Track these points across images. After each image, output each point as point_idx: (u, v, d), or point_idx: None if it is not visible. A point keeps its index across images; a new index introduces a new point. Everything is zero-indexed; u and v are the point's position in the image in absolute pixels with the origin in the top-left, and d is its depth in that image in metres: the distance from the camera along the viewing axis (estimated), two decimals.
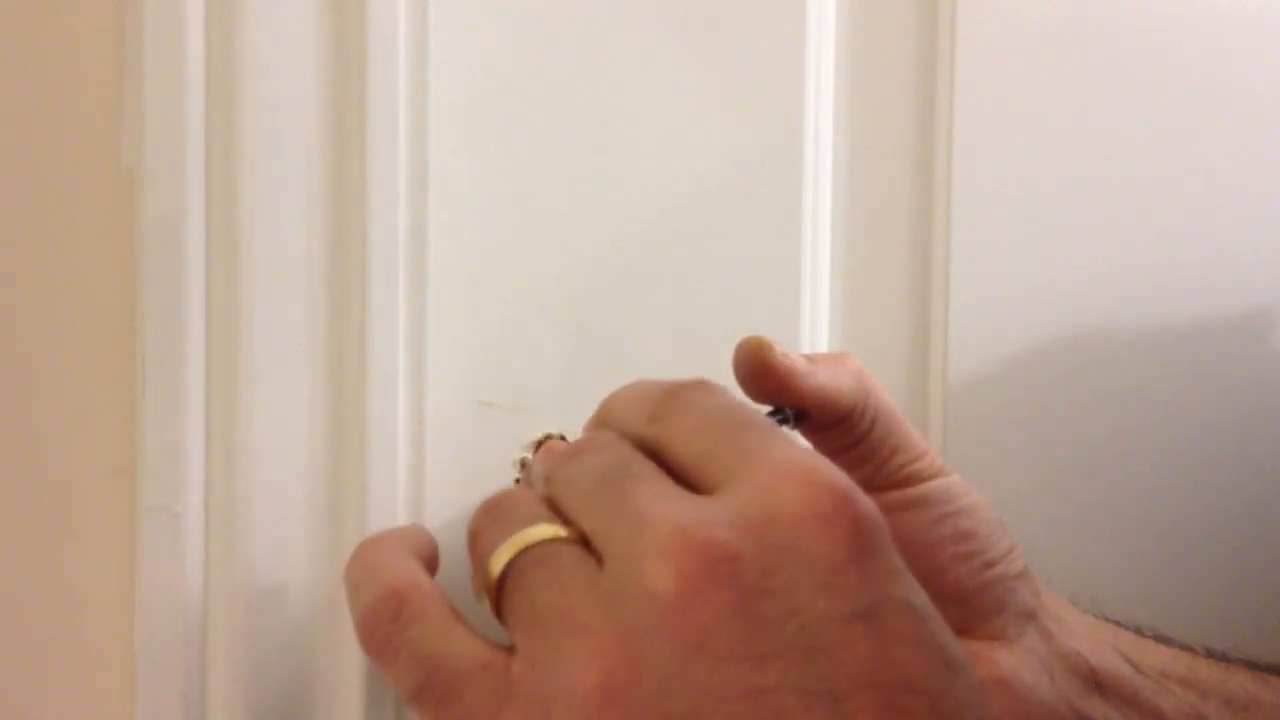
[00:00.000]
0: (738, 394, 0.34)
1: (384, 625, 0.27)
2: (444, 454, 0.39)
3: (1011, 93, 0.46)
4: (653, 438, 0.28)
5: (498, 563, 0.26)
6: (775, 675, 0.23)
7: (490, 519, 0.28)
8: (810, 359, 0.36)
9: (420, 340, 0.39)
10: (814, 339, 0.44)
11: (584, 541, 0.26)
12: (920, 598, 0.25)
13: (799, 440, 0.36)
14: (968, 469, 0.39)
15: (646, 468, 0.27)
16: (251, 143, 0.36)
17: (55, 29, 0.37)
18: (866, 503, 0.25)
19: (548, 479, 0.28)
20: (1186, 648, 0.39)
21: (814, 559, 0.24)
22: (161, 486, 0.36)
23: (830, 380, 0.35)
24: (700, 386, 0.29)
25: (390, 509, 0.38)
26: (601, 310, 0.41)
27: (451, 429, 0.39)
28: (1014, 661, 0.36)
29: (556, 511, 0.27)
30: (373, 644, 0.27)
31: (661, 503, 0.25)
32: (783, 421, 0.36)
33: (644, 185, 0.42)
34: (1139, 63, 0.47)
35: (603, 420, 0.31)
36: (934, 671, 0.23)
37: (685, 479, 0.27)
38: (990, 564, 0.36)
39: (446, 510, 0.39)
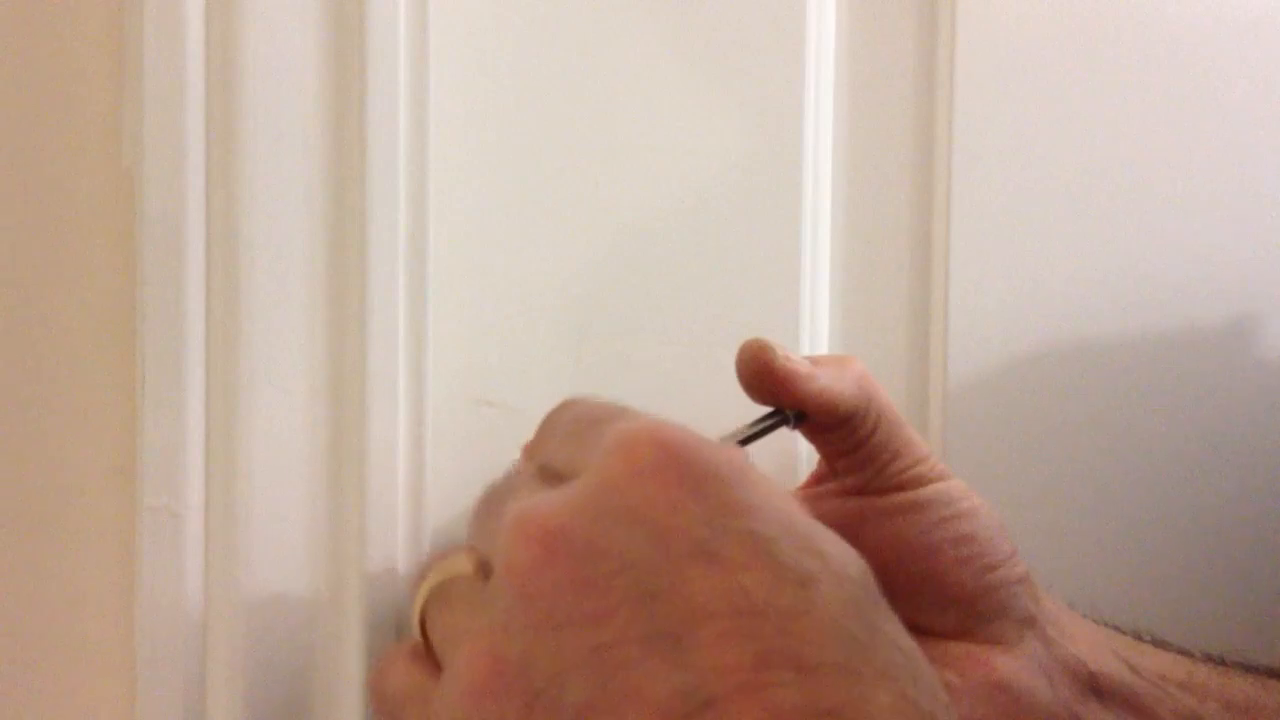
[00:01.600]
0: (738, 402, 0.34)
1: (374, 684, 0.29)
2: (444, 454, 0.39)
3: (1011, 93, 0.46)
4: (538, 468, 0.29)
5: (415, 610, 0.29)
6: (615, 630, 0.23)
7: (420, 574, 0.30)
8: (813, 361, 0.36)
9: (420, 340, 0.39)
10: (814, 339, 0.44)
11: (484, 568, 0.28)
12: (767, 524, 0.24)
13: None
14: (966, 469, 0.39)
15: (523, 482, 0.28)
16: (251, 143, 0.36)
17: (55, 29, 0.37)
18: (698, 448, 0.25)
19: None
20: (1185, 652, 0.39)
21: (642, 513, 0.24)
22: (161, 486, 0.36)
23: (832, 383, 0.35)
24: (561, 405, 0.30)
25: (390, 509, 0.38)
26: (601, 310, 0.41)
27: (451, 429, 0.39)
28: (1014, 666, 0.36)
29: (470, 550, 0.29)
30: (374, 708, 0.30)
31: (516, 505, 0.26)
32: (784, 423, 0.36)
33: (644, 185, 0.42)
34: (1137, 66, 0.47)
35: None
36: (781, 590, 0.23)
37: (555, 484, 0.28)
38: (991, 568, 0.36)
39: (446, 510, 0.39)
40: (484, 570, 0.27)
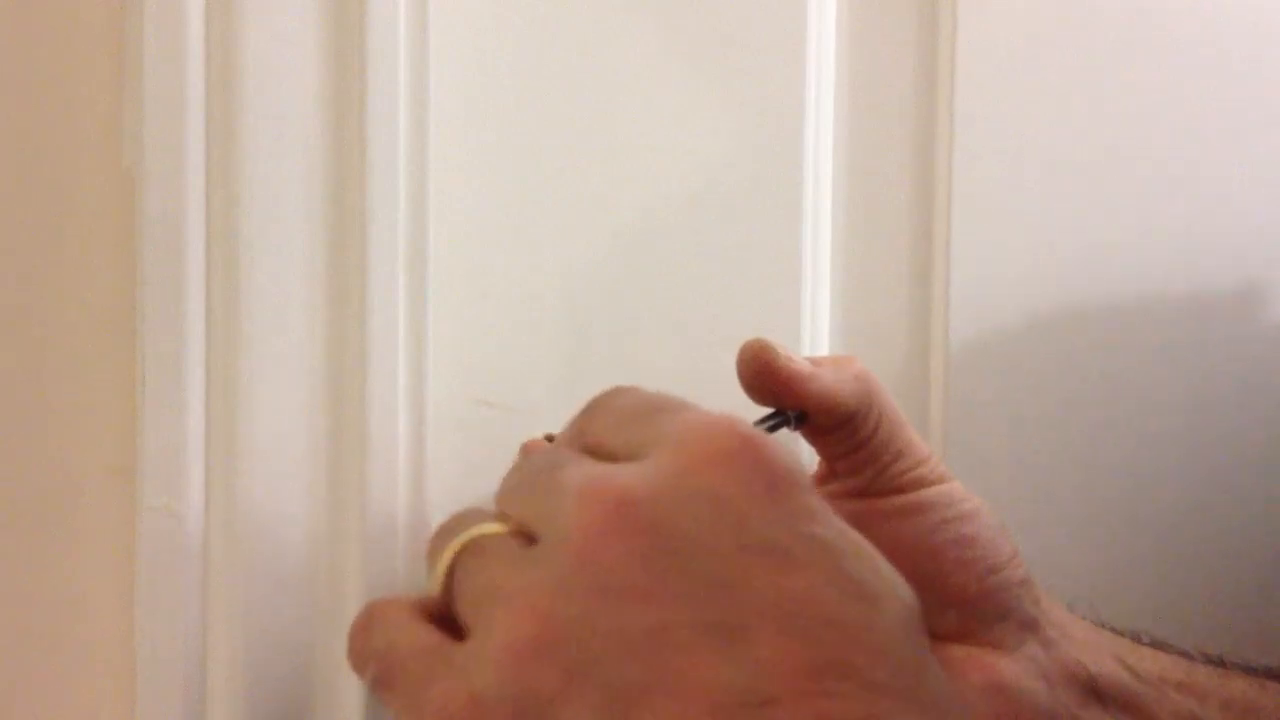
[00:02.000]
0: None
1: (358, 637, 0.28)
2: (444, 454, 0.39)
3: (1011, 93, 0.46)
4: (582, 447, 0.29)
5: (443, 563, 0.27)
6: (674, 611, 0.23)
7: (438, 535, 0.29)
8: (815, 362, 0.36)
9: (420, 340, 0.39)
10: (814, 339, 0.44)
11: (522, 534, 0.27)
12: (842, 537, 0.25)
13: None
14: (966, 470, 0.39)
15: (573, 455, 0.28)
16: (251, 143, 0.36)
17: (55, 29, 0.37)
18: (776, 447, 0.25)
19: (496, 494, 0.30)
20: (1184, 653, 0.39)
21: (719, 499, 0.24)
22: (161, 486, 0.36)
23: (833, 384, 0.35)
24: (611, 391, 0.30)
25: (390, 509, 0.38)
26: (601, 310, 0.41)
27: (451, 429, 0.39)
28: (1014, 669, 0.36)
29: (501, 516, 0.28)
30: (351, 658, 0.28)
31: (583, 469, 0.26)
32: (784, 423, 0.36)
33: (644, 185, 0.42)
34: (1135, 56, 0.47)
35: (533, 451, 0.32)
36: (847, 602, 0.24)
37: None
38: (992, 570, 0.36)
39: (446, 510, 0.39)
40: (522, 534, 0.27)
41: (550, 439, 0.40)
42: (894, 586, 0.25)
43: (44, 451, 0.37)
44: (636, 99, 0.41)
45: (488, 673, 0.24)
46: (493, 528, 0.27)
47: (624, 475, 0.25)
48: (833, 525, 0.25)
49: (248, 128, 0.36)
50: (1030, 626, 0.37)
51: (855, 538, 0.25)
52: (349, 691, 0.38)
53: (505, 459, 0.40)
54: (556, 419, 0.40)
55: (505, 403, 0.40)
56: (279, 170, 0.36)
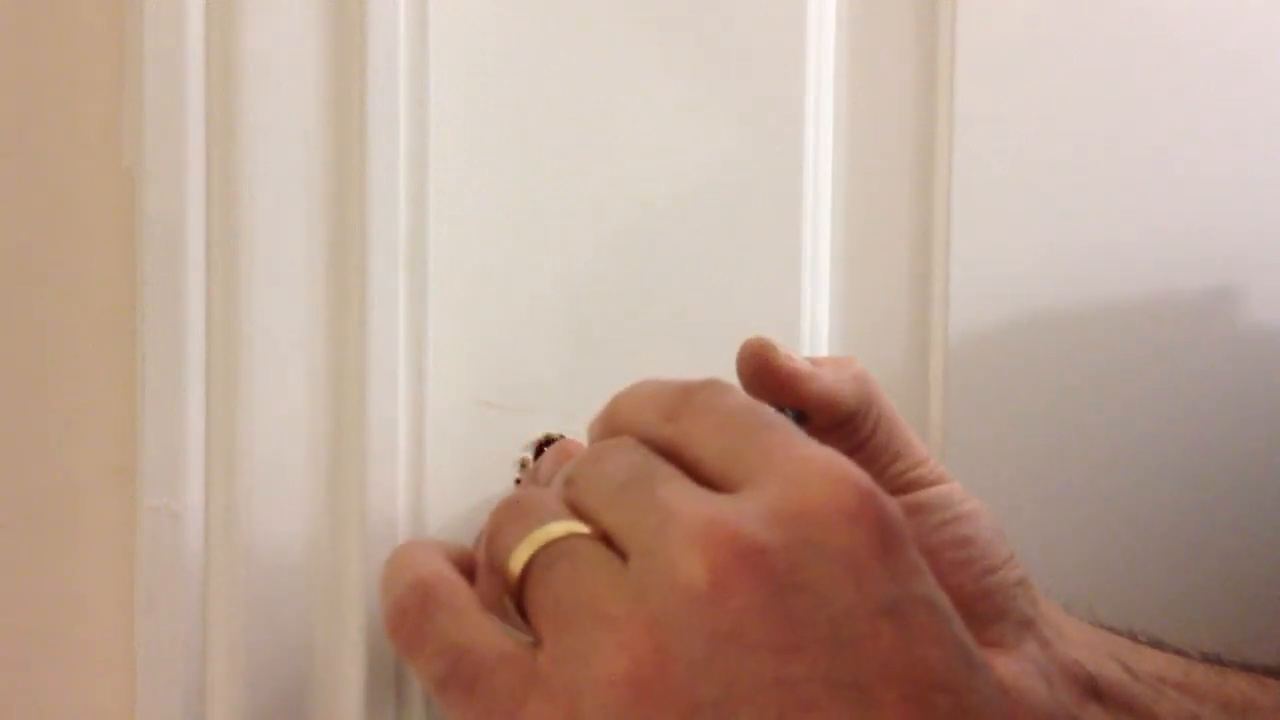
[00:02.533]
0: None
1: (412, 615, 0.27)
2: (444, 454, 0.39)
3: (1011, 93, 0.46)
4: (669, 438, 0.28)
5: (519, 559, 0.26)
6: (804, 666, 0.23)
7: (508, 517, 0.28)
8: (814, 362, 0.36)
9: (420, 340, 0.39)
10: (814, 339, 0.44)
11: (605, 540, 0.26)
12: (941, 597, 0.25)
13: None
14: (966, 470, 0.39)
15: (671, 470, 0.27)
16: (251, 143, 0.36)
17: (55, 29, 0.37)
18: (890, 501, 0.25)
19: (568, 481, 0.28)
20: (1182, 652, 0.39)
21: (842, 554, 0.24)
22: (161, 486, 0.36)
23: (833, 383, 0.35)
24: (714, 386, 0.29)
25: (390, 509, 0.38)
26: (601, 310, 0.41)
27: (451, 429, 0.39)
28: (1013, 669, 0.36)
29: (577, 512, 0.27)
30: (400, 634, 0.27)
31: (690, 499, 0.25)
32: None
33: (644, 185, 0.42)
34: (1133, 55, 0.47)
35: (611, 420, 0.30)
36: (957, 669, 0.23)
37: (706, 479, 0.26)
38: (990, 571, 0.36)
39: (446, 510, 0.39)
40: (606, 541, 0.26)
41: (549, 440, 0.40)
42: (977, 647, 0.25)
43: (44, 451, 0.37)
44: (636, 98, 0.41)
45: (602, 703, 0.23)
46: (574, 527, 0.26)
47: (743, 516, 0.24)
48: (932, 582, 0.25)
49: (248, 128, 0.36)
50: (1028, 626, 0.37)
51: (944, 594, 0.25)
52: (349, 692, 0.38)
53: (505, 459, 0.40)
54: (557, 419, 0.40)
55: (505, 403, 0.40)
56: (279, 170, 0.36)
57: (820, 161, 0.44)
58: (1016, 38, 0.46)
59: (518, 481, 0.40)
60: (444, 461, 0.39)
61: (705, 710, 0.22)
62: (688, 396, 0.28)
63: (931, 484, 0.37)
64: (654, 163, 0.42)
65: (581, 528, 0.26)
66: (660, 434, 0.28)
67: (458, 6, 0.39)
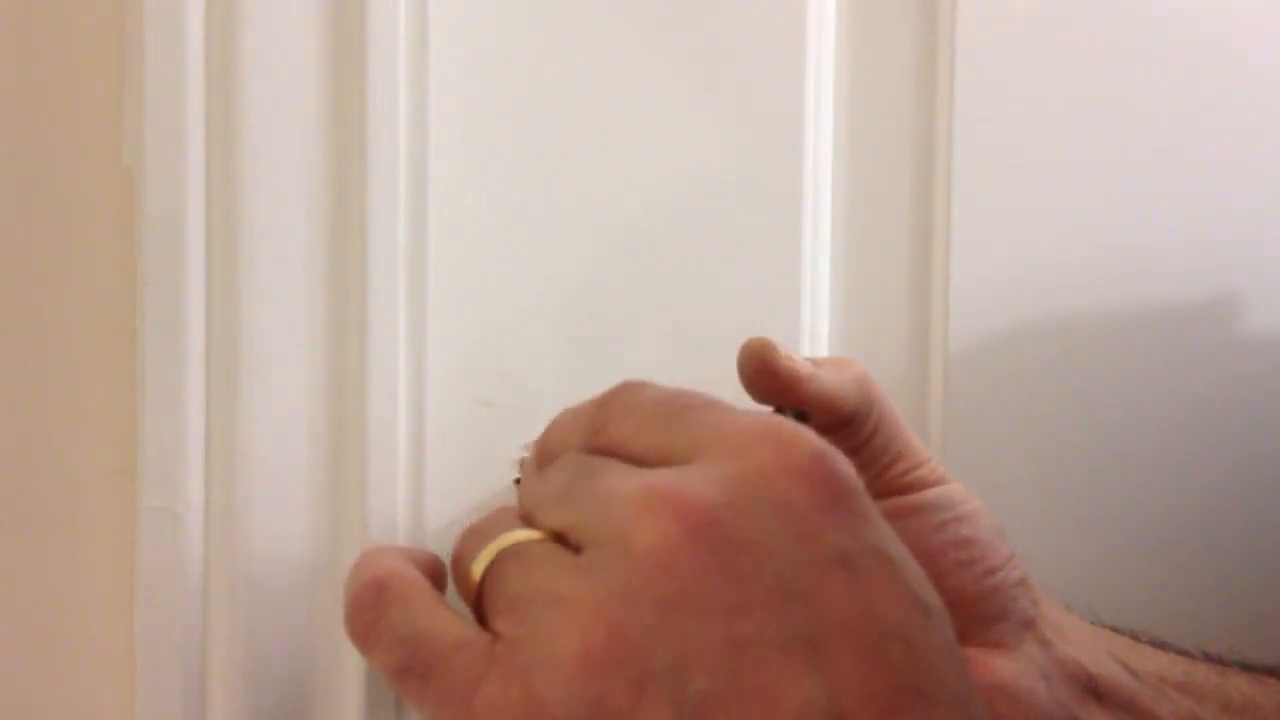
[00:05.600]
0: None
1: (366, 611, 0.27)
2: (444, 454, 0.39)
3: (1011, 93, 0.46)
4: (601, 447, 0.28)
5: (479, 567, 0.27)
6: (754, 625, 0.23)
7: (469, 538, 0.29)
8: (815, 362, 0.36)
9: (420, 340, 0.39)
10: (814, 339, 0.44)
11: (559, 540, 0.26)
12: (896, 547, 0.25)
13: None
14: (966, 470, 0.39)
15: (606, 461, 0.27)
16: (251, 143, 0.36)
17: (55, 29, 0.37)
18: (837, 454, 0.25)
19: (519, 501, 0.29)
20: (1183, 652, 0.39)
21: (790, 510, 0.24)
22: (161, 486, 0.36)
23: (833, 384, 0.35)
24: (626, 388, 0.29)
25: (390, 509, 0.38)
26: (601, 310, 0.41)
27: (451, 429, 0.39)
28: (1013, 669, 0.36)
29: (529, 523, 0.28)
30: (356, 629, 0.28)
31: (629, 476, 0.25)
32: None
33: (644, 185, 0.42)
34: (1133, 56, 0.47)
35: (545, 449, 0.31)
36: (911, 618, 0.24)
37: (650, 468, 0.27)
38: (990, 571, 0.36)
39: (446, 510, 0.39)
40: (560, 539, 0.26)
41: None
42: (937, 595, 0.25)
43: (44, 451, 0.37)
44: (636, 99, 0.41)
45: (554, 679, 0.23)
46: (527, 534, 0.27)
47: (688, 483, 0.24)
48: (887, 532, 0.25)
49: (248, 128, 0.36)
50: (1028, 626, 0.37)
51: (902, 544, 0.25)
52: (349, 692, 0.38)
53: (505, 459, 0.40)
54: None
55: (505, 402, 0.40)
56: (279, 170, 0.36)
57: (820, 161, 0.44)
58: (1016, 38, 0.46)
59: (517, 481, 0.40)
60: (444, 461, 0.39)
61: (657, 677, 0.23)
62: (604, 406, 0.29)
63: (932, 485, 0.37)
64: (654, 163, 0.42)
65: (534, 534, 0.27)
66: (592, 446, 0.28)
67: (458, 6, 0.39)
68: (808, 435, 0.25)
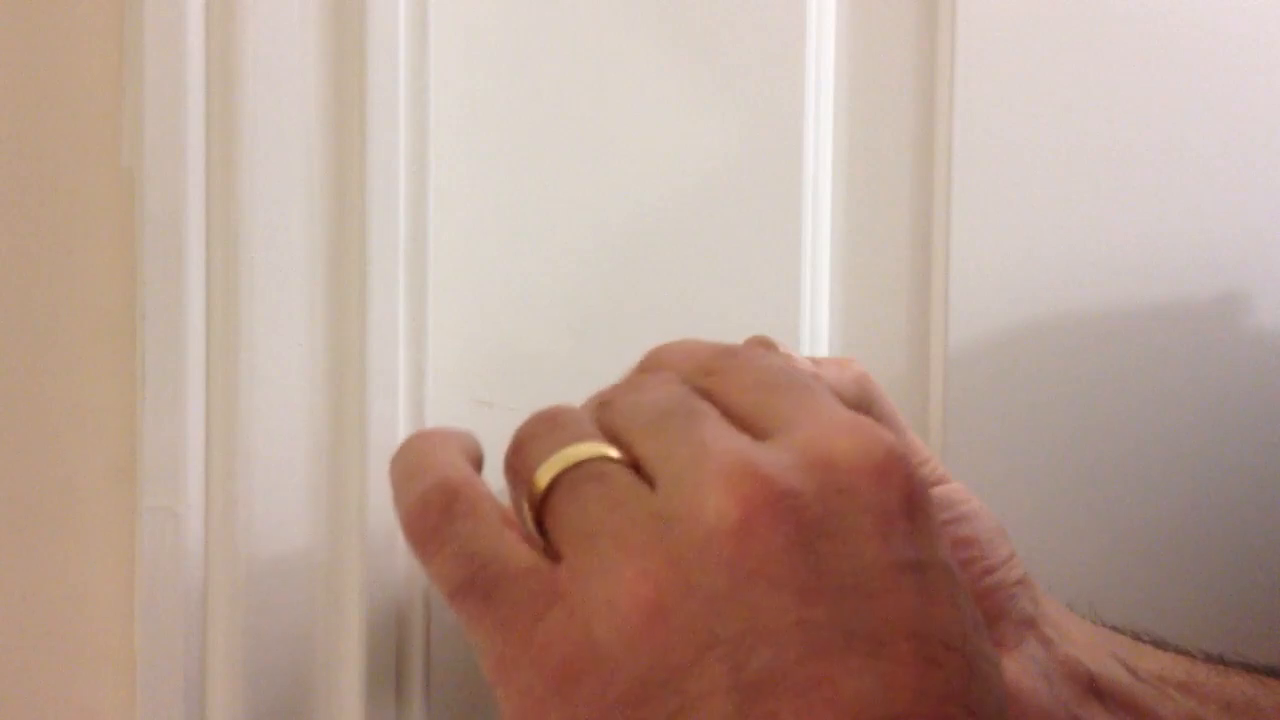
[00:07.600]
0: None
1: (433, 516, 0.26)
2: None
3: (1011, 93, 0.46)
4: (706, 389, 0.28)
5: (546, 474, 0.26)
6: (824, 611, 0.23)
7: (539, 429, 0.27)
8: (815, 362, 0.36)
9: (420, 340, 0.39)
10: (814, 339, 0.44)
11: (635, 467, 0.26)
12: (954, 565, 0.25)
13: None
14: (966, 470, 0.39)
15: (710, 408, 0.27)
16: (251, 143, 0.36)
17: (55, 29, 0.37)
18: (912, 463, 0.25)
19: (603, 404, 0.28)
20: (1184, 652, 0.39)
21: (870, 507, 0.24)
22: (161, 486, 0.36)
23: (834, 384, 0.35)
24: (756, 344, 0.29)
25: (390, 509, 0.38)
26: (601, 310, 0.41)
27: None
28: (1013, 669, 0.36)
29: (609, 435, 0.27)
30: (419, 534, 0.27)
31: (727, 437, 0.25)
32: None
33: (644, 185, 0.42)
34: (1134, 55, 0.47)
35: (651, 365, 0.30)
36: (968, 633, 0.24)
37: (738, 426, 0.26)
38: (990, 570, 0.36)
39: None
40: (636, 468, 0.26)
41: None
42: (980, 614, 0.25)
43: (44, 451, 0.37)
44: (636, 98, 0.41)
45: (619, 627, 0.23)
46: (605, 449, 0.26)
47: (775, 461, 0.24)
48: (947, 549, 0.25)
49: (248, 128, 0.36)
50: (1029, 626, 0.37)
51: (955, 564, 0.25)
52: (349, 692, 0.38)
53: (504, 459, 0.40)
54: None
55: (505, 403, 0.40)
56: (279, 170, 0.36)
57: (820, 161, 0.44)
58: (1016, 37, 0.46)
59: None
60: None
61: (723, 644, 0.23)
62: (729, 353, 0.29)
63: (933, 484, 0.36)
64: (654, 162, 0.42)
65: (613, 451, 0.26)
66: (697, 384, 0.28)
67: (458, 6, 0.39)
68: (890, 436, 0.25)
